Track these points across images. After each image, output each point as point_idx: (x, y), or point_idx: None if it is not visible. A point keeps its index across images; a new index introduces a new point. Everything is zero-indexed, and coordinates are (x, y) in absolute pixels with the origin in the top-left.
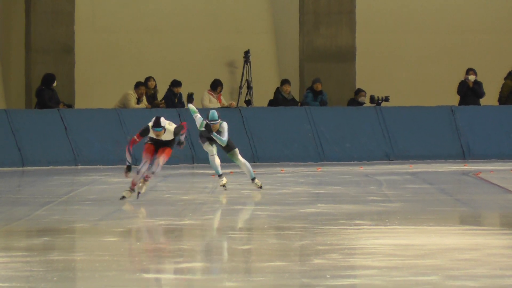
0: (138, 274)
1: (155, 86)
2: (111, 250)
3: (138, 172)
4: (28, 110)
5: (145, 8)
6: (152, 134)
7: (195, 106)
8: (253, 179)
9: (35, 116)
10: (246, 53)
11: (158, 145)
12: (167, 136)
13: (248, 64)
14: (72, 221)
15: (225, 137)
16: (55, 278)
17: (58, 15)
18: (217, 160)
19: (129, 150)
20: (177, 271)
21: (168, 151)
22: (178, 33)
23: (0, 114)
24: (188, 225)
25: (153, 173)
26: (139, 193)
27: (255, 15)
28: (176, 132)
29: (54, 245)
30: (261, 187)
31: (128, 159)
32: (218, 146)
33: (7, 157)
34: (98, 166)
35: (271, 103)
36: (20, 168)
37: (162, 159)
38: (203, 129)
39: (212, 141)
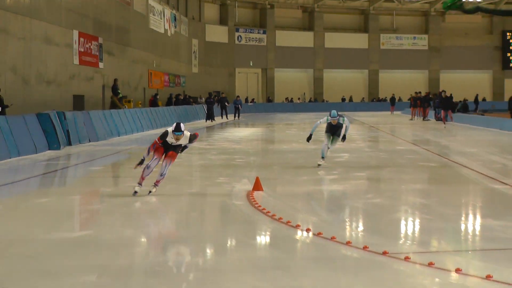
0: (252, 159)
1: None
2: (238, 151)
3: (148, 167)
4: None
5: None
6: (170, 138)
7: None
8: (322, 158)
9: None
10: None
11: (167, 149)
12: (183, 141)
13: None
14: (224, 138)
15: (341, 134)
16: (222, 156)
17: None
18: (326, 149)
19: (149, 150)
20: (273, 150)
21: (175, 155)
22: None
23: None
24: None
25: (161, 175)
26: (150, 191)
27: None
28: (191, 139)
29: (221, 147)
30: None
31: (144, 155)
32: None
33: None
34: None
35: None
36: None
37: (170, 162)
38: (325, 124)
39: (330, 134)
